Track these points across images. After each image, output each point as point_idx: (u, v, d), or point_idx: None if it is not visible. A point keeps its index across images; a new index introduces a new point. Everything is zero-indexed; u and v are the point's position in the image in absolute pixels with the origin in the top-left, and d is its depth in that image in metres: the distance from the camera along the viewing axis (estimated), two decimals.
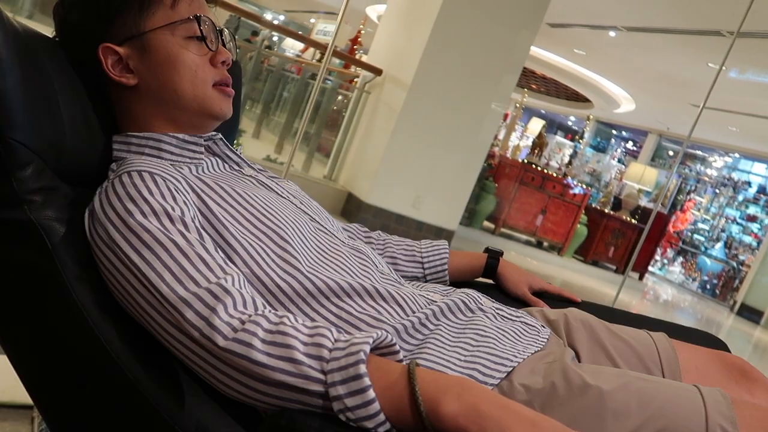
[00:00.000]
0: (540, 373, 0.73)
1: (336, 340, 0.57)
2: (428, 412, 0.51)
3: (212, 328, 0.58)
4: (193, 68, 0.83)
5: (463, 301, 0.85)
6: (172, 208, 0.68)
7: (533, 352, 0.79)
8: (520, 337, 0.83)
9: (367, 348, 0.54)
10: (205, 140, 0.87)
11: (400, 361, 0.60)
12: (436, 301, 0.84)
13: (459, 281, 1.14)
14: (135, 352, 0.66)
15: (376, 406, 0.52)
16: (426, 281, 1.11)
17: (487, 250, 1.18)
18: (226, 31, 0.90)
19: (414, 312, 0.79)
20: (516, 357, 0.76)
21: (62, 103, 0.76)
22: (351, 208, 5.24)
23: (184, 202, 0.71)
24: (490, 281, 1.18)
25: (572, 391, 0.69)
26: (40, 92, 0.72)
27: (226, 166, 0.90)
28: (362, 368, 0.52)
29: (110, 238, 0.66)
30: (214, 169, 0.87)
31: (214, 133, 0.89)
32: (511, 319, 0.88)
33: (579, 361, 0.90)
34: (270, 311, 0.63)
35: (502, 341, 0.79)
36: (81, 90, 0.81)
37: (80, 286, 0.67)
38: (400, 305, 0.79)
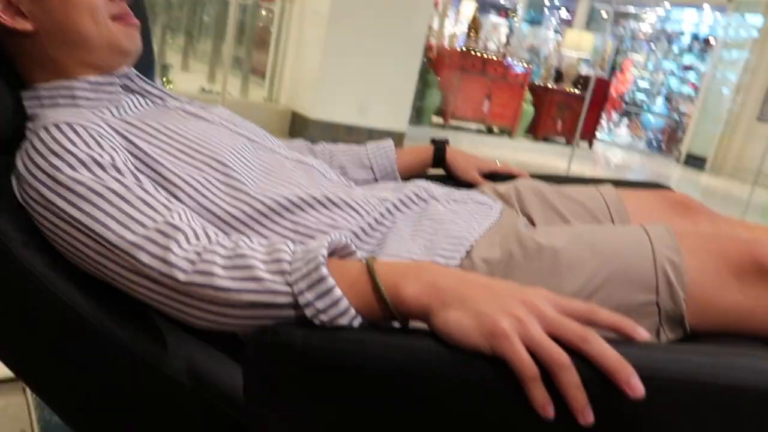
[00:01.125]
0: (497, 245, 0.76)
1: (293, 252, 0.57)
2: (392, 298, 0.53)
3: (170, 265, 0.58)
4: (92, 6, 0.77)
5: (415, 193, 0.86)
6: (100, 155, 0.65)
7: (488, 226, 0.82)
8: (473, 215, 0.85)
9: (324, 251, 0.55)
10: (119, 77, 0.82)
11: (359, 260, 0.61)
12: (388, 198, 0.85)
13: (410, 177, 1.15)
14: (103, 306, 0.65)
15: (345, 302, 0.53)
16: (377, 181, 1.12)
17: (432, 141, 1.18)
18: None
19: (369, 213, 0.80)
20: (472, 234, 0.78)
21: None
22: (297, 127, 5.15)
23: (112, 147, 0.68)
24: (441, 172, 1.20)
25: (528, 255, 0.72)
26: None
27: (148, 101, 0.86)
28: (323, 270, 0.53)
29: (44, 199, 0.63)
30: (136, 108, 0.83)
31: (126, 69, 0.84)
32: (463, 202, 0.90)
33: (533, 224, 0.94)
34: (224, 238, 0.62)
35: (457, 223, 0.81)
36: None
37: (29, 254, 0.64)
38: (353, 209, 0.79)
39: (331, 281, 0.53)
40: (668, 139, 10.00)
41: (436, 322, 0.50)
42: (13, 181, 0.67)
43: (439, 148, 1.15)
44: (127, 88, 0.84)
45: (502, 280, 0.54)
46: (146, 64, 1.13)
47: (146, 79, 0.86)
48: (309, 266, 0.54)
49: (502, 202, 0.95)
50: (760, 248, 0.70)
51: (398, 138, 5.46)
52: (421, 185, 0.89)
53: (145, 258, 0.59)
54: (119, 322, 0.64)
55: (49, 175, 0.63)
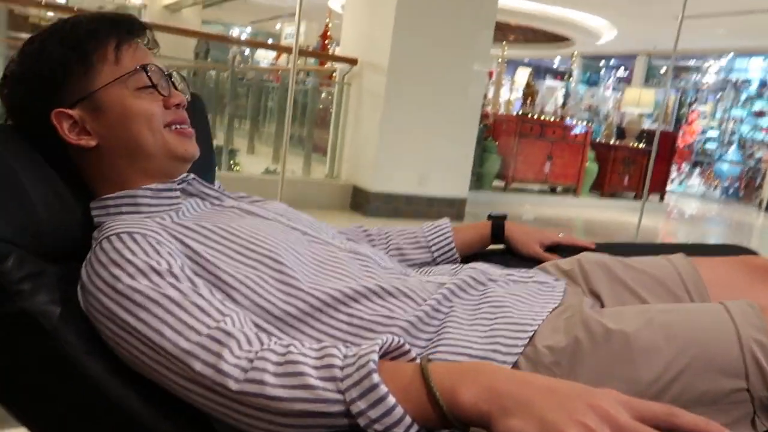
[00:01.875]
0: (561, 330, 0.72)
1: (345, 357, 0.56)
2: (448, 404, 0.50)
3: (222, 374, 0.58)
4: (149, 116, 0.82)
5: (472, 277, 0.84)
6: (158, 263, 0.68)
7: (551, 309, 0.78)
8: (535, 297, 0.81)
9: (375, 356, 0.53)
10: (178, 184, 0.86)
11: (414, 359, 0.59)
12: (445, 284, 0.82)
13: (470, 255, 1.13)
14: (159, 411, 0.65)
15: (399, 410, 0.51)
16: (437, 264, 1.10)
17: (490, 216, 1.16)
18: (174, 74, 0.88)
19: (425, 300, 0.78)
20: (535, 320, 0.74)
21: (28, 185, 0.75)
22: (359, 200, 5.24)
23: (169, 253, 0.70)
24: (502, 246, 1.17)
25: (596, 340, 0.68)
26: (2, 182, 0.72)
27: (206, 203, 0.89)
28: (375, 378, 0.52)
29: (104, 308, 0.65)
30: (194, 210, 0.86)
31: (185, 175, 0.87)
32: (523, 282, 0.87)
33: (602, 306, 0.89)
34: (276, 343, 0.62)
35: (518, 307, 0.78)
36: (45, 166, 0.80)
37: (90, 361, 0.67)
38: (409, 297, 0.77)
39: (383, 389, 0.51)
40: (746, 186, 9.56)
41: (498, 431, 0.47)
42: (78, 291, 0.70)
43: (498, 223, 1.13)
44: (185, 192, 0.87)
45: (568, 381, 0.50)
46: (207, 167, 1.19)
47: (203, 182, 0.89)
48: (361, 372, 0.52)
49: (567, 279, 0.91)
50: None
51: (460, 204, 5.46)
52: (478, 268, 0.86)
53: (198, 366, 0.59)
54: (177, 427, 0.64)
55: (108, 285, 0.65)
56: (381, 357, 0.55)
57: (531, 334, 0.72)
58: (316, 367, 0.55)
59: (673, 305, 0.76)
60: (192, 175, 0.88)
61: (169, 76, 0.87)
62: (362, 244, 0.95)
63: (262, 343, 0.61)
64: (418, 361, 0.57)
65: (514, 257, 1.14)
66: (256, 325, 0.70)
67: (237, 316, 0.64)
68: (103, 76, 0.81)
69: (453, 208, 5.42)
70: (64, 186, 0.82)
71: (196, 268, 0.72)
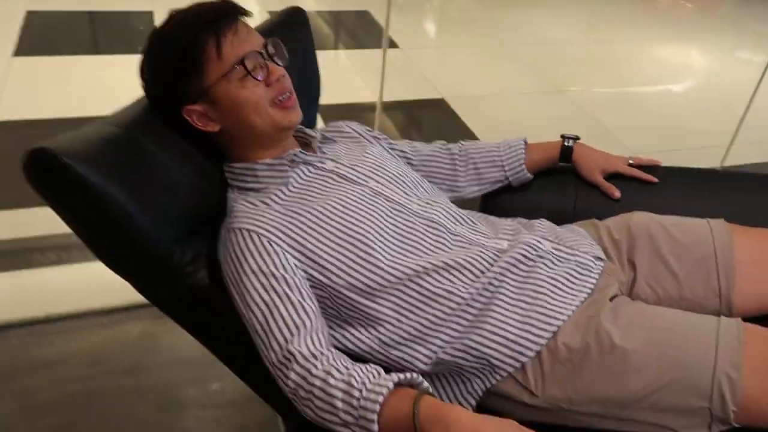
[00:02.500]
0: (581, 330, 0.90)
1: (360, 392, 0.77)
2: None
3: (286, 377, 0.84)
4: (254, 102, 0.96)
5: (523, 254, 1.00)
6: (266, 265, 0.90)
7: (581, 301, 0.95)
8: (571, 284, 0.97)
9: (378, 406, 0.75)
10: (288, 160, 1.03)
11: (420, 383, 0.80)
12: (503, 251, 1.00)
13: (539, 171, 1.27)
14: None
15: None
16: (508, 180, 1.25)
17: (562, 136, 1.24)
18: (269, 46, 0.99)
19: (483, 273, 0.97)
20: (563, 313, 0.92)
21: (176, 170, 0.98)
22: None
23: (275, 252, 0.92)
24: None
25: (602, 351, 0.86)
26: (157, 181, 0.93)
27: (310, 169, 1.06)
28: (375, 427, 0.75)
29: (235, 288, 0.92)
30: (301, 181, 1.04)
31: (294, 151, 1.04)
32: (567, 259, 1.02)
33: (635, 276, 1.04)
34: (325, 362, 0.83)
35: (553, 295, 0.95)
36: (183, 146, 1.01)
37: (231, 307, 0.96)
38: (468, 269, 0.96)
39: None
40: None
41: None
42: (218, 246, 0.98)
43: (567, 146, 1.22)
44: (293, 162, 1.05)
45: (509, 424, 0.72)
46: (311, 93, 1.32)
47: (306, 153, 1.06)
48: (367, 417, 0.76)
49: (605, 260, 1.04)
50: None
51: None
52: (531, 243, 1.01)
53: (272, 357, 0.86)
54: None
55: (233, 274, 0.92)
56: (397, 385, 0.78)
57: (556, 329, 0.91)
58: (342, 399, 0.79)
59: (676, 322, 0.89)
60: (298, 150, 1.05)
61: (266, 49, 0.99)
62: (439, 200, 1.10)
63: (321, 362, 0.83)
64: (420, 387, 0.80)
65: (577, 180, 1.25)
66: (342, 297, 0.94)
67: (316, 333, 0.87)
68: (212, 73, 0.94)
69: None
70: (201, 157, 1.04)
71: (298, 254, 0.93)
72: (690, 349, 0.84)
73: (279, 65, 1.00)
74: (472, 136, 2.56)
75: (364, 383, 0.79)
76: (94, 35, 3.36)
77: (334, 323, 0.98)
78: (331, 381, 0.81)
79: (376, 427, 0.76)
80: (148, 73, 0.99)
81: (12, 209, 1.99)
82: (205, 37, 0.93)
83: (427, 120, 2.87)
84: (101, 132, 0.91)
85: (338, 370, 0.82)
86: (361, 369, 0.82)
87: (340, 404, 0.79)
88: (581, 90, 3.19)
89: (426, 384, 0.81)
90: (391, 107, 2.86)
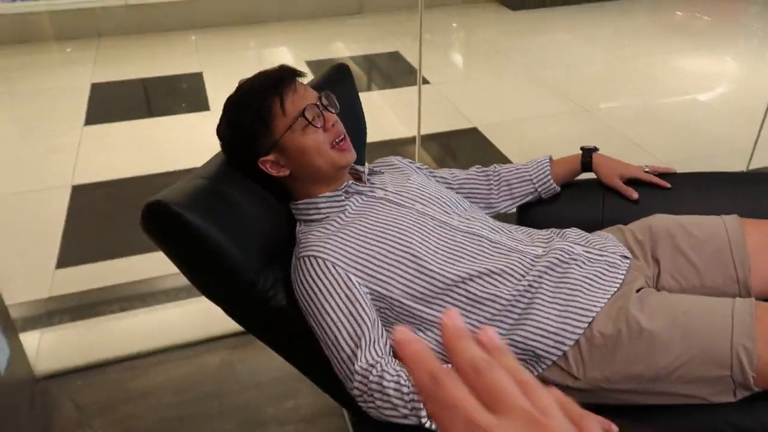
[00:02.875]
0: (612, 318, 1.04)
1: (408, 389, 0.93)
2: None
3: (351, 380, 1.00)
4: (316, 146, 1.14)
5: (558, 258, 1.14)
6: (332, 286, 1.06)
7: (611, 294, 1.08)
8: (602, 281, 1.11)
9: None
10: (343, 191, 1.21)
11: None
12: (539, 257, 1.14)
13: (567, 185, 1.42)
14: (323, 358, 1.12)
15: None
16: (538, 193, 1.40)
17: (581, 148, 1.39)
18: (323, 98, 1.17)
19: (524, 276, 1.11)
20: (596, 306, 1.06)
21: (253, 212, 1.16)
22: None
23: (339, 274, 1.07)
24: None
25: (632, 335, 0.99)
26: (241, 221, 1.12)
27: (362, 197, 1.23)
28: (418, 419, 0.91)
29: (305, 307, 1.08)
30: (355, 206, 1.20)
31: (347, 183, 1.22)
32: (596, 261, 1.15)
33: (659, 271, 1.16)
34: (382, 367, 0.98)
35: (586, 291, 1.09)
36: (257, 190, 1.20)
37: (304, 322, 1.13)
38: (510, 274, 1.11)
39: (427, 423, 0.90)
40: None
41: None
42: (291, 273, 1.14)
43: (586, 157, 1.37)
44: (348, 193, 1.23)
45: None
46: (359, 137, 1.51)
47: (357, 184, 1.23)
48: (417, 406, 0.92)
49: (631, 258, 1.18)
50: None
51: None
52: (565, 249, 1.15)
53: (340, 367, 1.02)
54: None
55: (305, 296, 1.07)
56: None
57: (590, 320, 1.05)
58: (396, 396, 0.94)
59: (696, 305, 1.01)
60: (351, 182, 1.23)
61: (320, 100, 1.17)
62: (477, 215, 1.25)
63: (372, 368, 0.98)
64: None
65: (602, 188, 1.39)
66: (401, 306, 1.10)
67: (372, 341, 1.03)
68: (279, 127, 1.13)
69: None
70: (272, 198, 1.23)
71: (358, 272, 1.08)
72: (709, 327, 0.96)
73: (332, 113, 1.18)
74: (505, 160, 2.71)
75: (409, 379, 0.94)
76: (147, 100, 3.67)
77: None
78: (384, 383, 0.96)
79: (424, 412, 0.91)
80: (225, 134, 1.19)
81: (99, 261, 2.23)
82: (271, 99, 1.13)
83: (463, 149, 3.03)
84: (195, 185, 1.10)
85: (389, 373, 0.98)
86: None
87: (395, 400, 0.95)
88: (608, 107, 3.31)
89: None
90: (427, 140, 3.04)
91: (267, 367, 1.78)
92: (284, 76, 1.16)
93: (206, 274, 1.09)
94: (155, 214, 0.99)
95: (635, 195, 1.35)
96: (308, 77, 1.30)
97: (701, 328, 0.97)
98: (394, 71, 3.96)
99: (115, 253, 2.22)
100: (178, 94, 3.64)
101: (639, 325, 1.00)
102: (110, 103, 3.49)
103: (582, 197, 1.45)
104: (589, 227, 1.35)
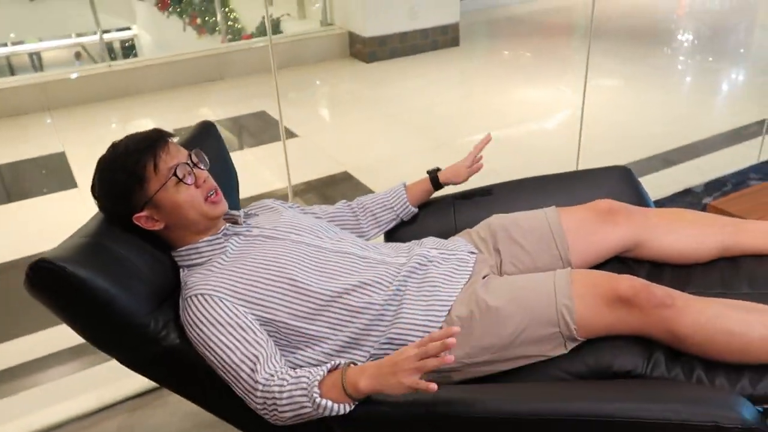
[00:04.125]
0: (465, 303, 1.23)
1: (307, 383, 1.04)
2: (353, 391, 1.00)
3: (252, 388, 1.10)
4: (190, 201, 1.24)
5: (418, 262, 1.32)
6: (220, 316, 1.15)
7: (463, 284, 1.28)
8: (455, 275, 1.30)
9: (317, 389, 1.03)
10: (222, 234, 1.32)
11: (338, 366, 1.07)
12: (403, 264, 1.31)
13: (422, 203, 1.62)
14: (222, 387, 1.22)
15: (334, 406, 1.02)
16: (400, 218, 1.59)
17: (428, 172, 1.62)
18: (192, 156, 1.27)
19: (391, 283, 1.28)
20: (451, 296, 1.25)
21: (137, 262, 1.23)
22: (357, 46, 5.41)
23: (227, 306, 1.17)
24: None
25: (482, 313, 1.19)
26: (127, 270, 1.19)
27: (241, 237, 1.35)
28: (319, 401, 1.02)
29: (197, 341, 1.15)
30: (235, 246, 1.31)
31: (225, 226, 1.33)
32: (449, 259, 1.35)
33: (501, 260, 1.39)
34: (280, 373, 1.09)
35: (445, 285, 1.27)
36: (139, 242, 1.27)
37: (199, 359, 1.20)
38: (380, 283, 1.27)
39: (323, 402, 1.01)
40: None
41: (384, 392, 0.99)
42: (181, 314, 1.21)
43: (433, 177, 1.59)
44: (226, 236, 1.34)
45: (388, 358, 1.00)
46: (230, 187, 1.62)
47: (234, 227, 1.34)
48: (314, 393, 1.02)
49: (477, 252, 1.39)
50: (620, 285, 1.12)
51: (453, 30, 5.57)
52: (422, 254, 1.34)
53: (242, 386, 1.10)
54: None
55: (196, 332, 1.15)
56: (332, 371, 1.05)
57: (449, 307, 1.23)
58: (300, 394, 1.04)
59: (528, 281, 1.23)
60: (228, 225, 1.34)
61: (191, 158, 1.27)
62: (346, 237, 1.41)
63: (272, 377, 1.08)
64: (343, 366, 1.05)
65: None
66: (288, 327, 1.20)
67: (267, 354, 1.12)
68: (152, 185, 1.22)
69: (447, 35, 5.58)
70: (155, 248, 1.31)
71: (243, 302, 1.18)
72: (538, 295, 1.17)
73: (203, 169, 1.29)
74: None
75: (307, 377, 1.07)
76: (3, 185, 3.54)
77: (287, 351, 1.25)
78: (286, 386, 1.07)
79: (316, 392, 1.03)
80: (100, 192, 1.26)
81: None
82: (145, 160, 1.21)
83: (336, 192, 3.22)
84: (77, 242, 1.17)
85: (291, 375, 1.09)
86: (305, 370, 1.10)
87: (298, 398, 1.06)
88: (462, 139, 3.67)
89: (345, 362, 1.09)
90: (301, 188, 3.20)
91: (167, 422, 1.80)
92: (157, 138, 1.25)
93: (97, 324, 1.15)
94: (39, 272, 1.05)
95: (481, 165, 1.63)
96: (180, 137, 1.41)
97: (532, 297, 1.18)
98: (262, 129, 4.11)
99: None
100: (42, 176, 3.54)
101: (486, 304, 1.19)
102: None
103: (437, 211, 1.66)
104: (446, 235, 1.56)
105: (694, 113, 3.87)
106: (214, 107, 4.55)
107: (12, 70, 5.86)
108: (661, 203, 2.71)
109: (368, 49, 5.19)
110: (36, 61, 6.02)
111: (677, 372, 1.10)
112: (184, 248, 1.30)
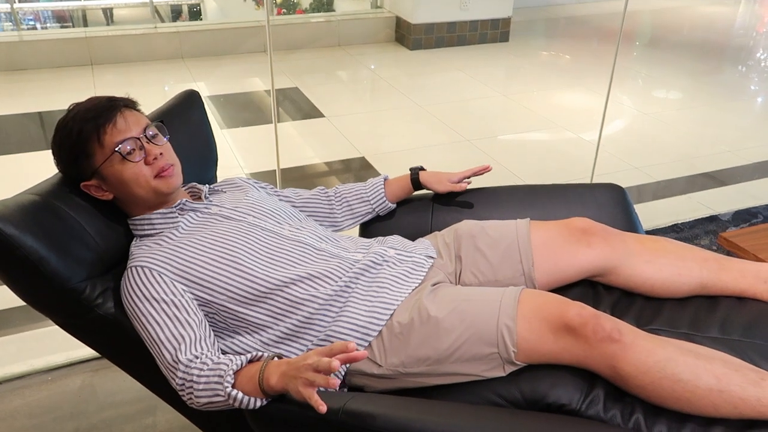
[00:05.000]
0: (408, 309, 1.16)
1: (226, 370, 1.01)
2: (266, 387, 0.96)
3: (174, 369, 1.07)
4: (135, 178, 1.20)
5: (373, 261, 1.25)
6: (157, 292, 1.13)
7: (413, 288, 1.21)
8: (406, 278, 1.23)
9: (231, 379, 1.00)
10: (177, 208, 1.29)
11: (260, 357, 1.03)
12: (358, 261, 1.25)
13: (400, 200, 1.55)
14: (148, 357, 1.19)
15: (246, 398, 0.98)
16: (376, 212, 1.52)
17: (410, 169, 1.53)
18: (149, 130, 1.23)
19: (340, 278, 1.22)
20: (397, 299, 1.18)
21: (86, 226, 1.21)
22: (402, 32, 5.34)
23: (165, 283, 1.14)
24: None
25: (422, 321, 1.11)
26: (69, 234, 1.17)
27: (197, 214, 1.31)
28: (232, 391, 0.99)
29: (130, 312, 1.14)
30: (189, 224, 1.29)
31: (180, 200, 1.29)
32: (405, 260, 1.28)
33: (461, 268, 1.30)
34: (203, 358, 1.06)
35: (392, 288, 1.20)
36: (92, 207, 1.26)
37: (132, 331, 1.18)
38: (329, 277, 1.21)
39: (234, 393, 0.98)
40: None
41: (289, 392, 0.94)
42: (121, 295, 1.19)
43: (414, 176, 1.52)
44: (183, 210, 1.30)
45: (296, 359, 0.95)
46: (207, 163, 1.59)
47: (192, 202, 1.31)
48: (225, 389, 0.99)
49: (437, 257, 1.32)
50: (568, 312, 1.03)
51: (504, 24, 5.41)
52: (379, 252, 1.28)
53: (164, 362, 1.08)
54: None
55: (131, 302, 1.14)
56: (250, 361, 1.02)
57: (392, 312, 1.17)
58: (216, 381, 1.01)
59: (476, 294, 1.15)
60: (185, 200, 1.31)
61: (146, 133, 1.23)
62: (308, 226, 1.36)
63: (195, 360, 1.06)
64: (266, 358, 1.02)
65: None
66: (226, 310, 1.17)
67: (193, 337, 1.10)
68: (97, 158, 1.19)
69: (497, 29, 5.43)
70: (109, 214, 1.28)
71: (183, 280, 1.15)
72: (481, 310, 1.09)
73: (158, 145, 1.24)
74: None
75: (226, 364, 1.03)
76: (44, 132, 3.63)
77: (224, 334, 1.21)
78: (205, 370, 1.04)
79: (229, 382, 0.99)
80: (54, 154, 1.24)
81: None
82: (89, 129, 1.18)
83: (348, 177, 3.17)
84: (22, 200, 1.16)
85: (211, 360, 1.06)
86: (228, 357, 1.06)
87: (214, 385, 1.02)
88: (487, 137, 3.55)
89: (269, 354, 1.05)
90: (324, 167, 3.17)
91: (127, 387, 1.80)
92: (107, 108, 1.21)
93: (28, 285, 1.14)
94: None
95: (465, 186, 1.52)
96: (143, 107, 1.35)
97: (475, 312, 1.10)
98: (294, 105, 4.09)
99: None
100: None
101: (428, 313, 1.12)
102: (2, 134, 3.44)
103: (415, 210, 1.59)
104: (420, 234, 1.49)
105: (747, 137, 3.63)
106: (263, 77, 4.56)
107: (86, 22, 6.03)
108: (679, 228, 2.55)
109: (413, 36, 5.10)
110: (108, 16, 6.18)
111: (614, 413, 1.01)
112: (137, 218, 1.28)
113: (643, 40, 5.76)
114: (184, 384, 1.06)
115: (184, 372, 1.07)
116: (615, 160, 3.22)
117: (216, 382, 1.02)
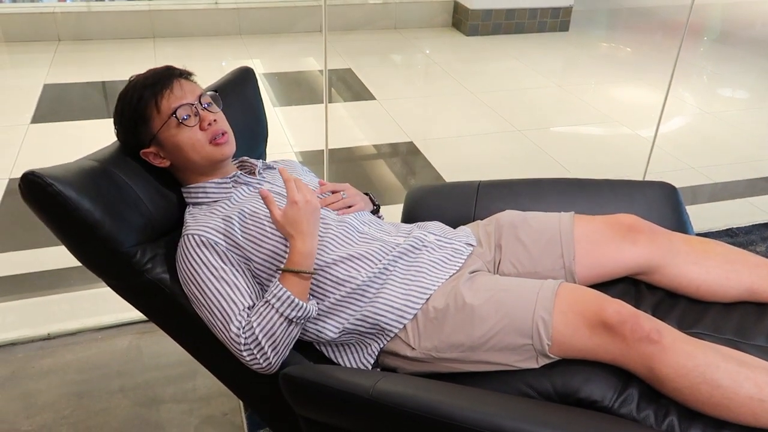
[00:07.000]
0: (445, 295, 1.16)
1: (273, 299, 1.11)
2: (296, 259, 1.12)
3: (230, 335, 1.11)
4: (191, 143, 1.24)
5: (412, 245, 1.26)
6: (214, 261, 1.17)
7: (450, 275, 1.21)
8: (444, 264, 1.24)
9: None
10: (232, 180, 1.32)
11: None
12: (397, 246, 1.26)
13: (446, 187, 1.53)
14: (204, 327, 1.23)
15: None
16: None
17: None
18: (202, 98, 1.26)
19: (380, 260, 1.23)
20: (434, 284, 1.18)
21: (140, 193, 1.27)
22: (459, 17, 5.28)
23: (218, 253, 1.18)
24: None
25: (457, 308, 1.12)
26: (123, 200, 1.23)
27: (250, 188, 1.35)
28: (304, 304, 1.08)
29: (187, 279, 1.19)
30: (241, 197, 1.32)
31: (236, 173, 1.33)
32: (445, 246, 1.28)
33: (501, 257, 1.30)
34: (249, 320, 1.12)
35: (430, 274, 1.21)
36: (147, 175, 1.31)
37: (184, 300, 1.23)
38: (369, 259, 1.22)
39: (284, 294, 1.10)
40: None
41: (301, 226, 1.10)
42: (176, 261, 1.24)
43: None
44: (237, 183, 1.34)
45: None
46: (257, 137, 1.62)
47: (246, 175, 1.34)
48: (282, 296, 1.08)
49: (477, 245, 1.31)
50: (606, 309, 1.01)
51: (565, 13, 5.29)
52: (420, 236, 1.28)
53: (224, 334, 1.12)
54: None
55: (188, 270, 1.18)
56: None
57: (428, 297, 1.17)
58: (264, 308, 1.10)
59: (513, 285, 1.14)
60: (239, 173, 1.34)
61: (200, 100, 1.27)
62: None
63: (248, 315, 1.12)
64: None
65: None
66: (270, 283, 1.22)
67: (247, 303, 1.15)
68: (155, 123, 1.23)
69: (557, 18, 5.31)
70: (164, 185, 1.33)
71: (235, 248, 1.19)
72: (518, 301, 1.09)
73: (212, 112, 1.27)
74: (433, 171, 2.86)
75: (266, 298, 1.11)
76: (105, 101, 3.77)
77: None
78: (255, 312, 1.12)
79: (284, 291, 1.11)
80: (114, 122, 1.30)
81: (26, 249, 2.30)
82: (147, 96, 1.23)
83: (394, 162, 3.17)
84: (81, 165, 1.21)
85: (254, 311, 1.13)
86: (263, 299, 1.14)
87: (264, 311, 1.11)
88: (540, 129, 3.49)
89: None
90: (372, 150, 3.18)
91: (171, 350, 1.87)
92: (166, 76, 1.25)
93: (83, 245, 1.19)
94: (29, 184, 1.09)
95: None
96: (200, 80, 1.37)
97: (512, 302, 1.09)
98: (347, 86, 4.11)
99: (40, 243, 2.30)
100: None
101: (463, 300, 1.12)
102: (60, 104, 3.58)
103: (459, 197, 1.58)
104: (462, 221, 1.49)
105: None
106: (317, 56, 4.59)
107: None
108: (734, 233, 2.46)
109: (470, 22, 5.03)
110: None
111: (648, 414, 0.99)
112: (192, 185, 1.32)
113: (712, 35, 5.52)
114: (250, 351, 1.11)
115: (246, 339, 1.11)
116: (671, 158, 3.12)
117: (265, 308, 1.11)
